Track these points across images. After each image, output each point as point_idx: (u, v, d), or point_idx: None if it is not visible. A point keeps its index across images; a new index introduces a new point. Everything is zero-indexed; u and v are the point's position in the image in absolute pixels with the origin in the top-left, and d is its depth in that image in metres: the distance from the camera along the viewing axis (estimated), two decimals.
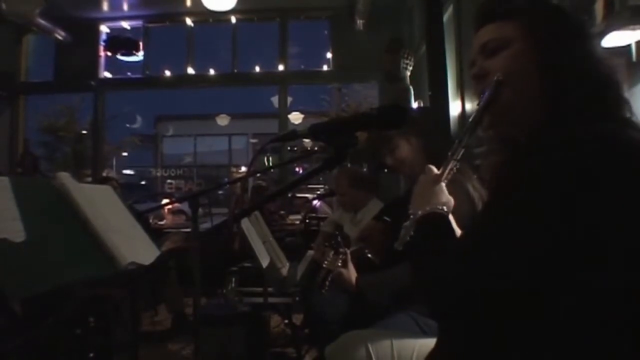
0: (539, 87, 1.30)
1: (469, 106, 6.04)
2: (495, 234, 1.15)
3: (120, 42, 11.46)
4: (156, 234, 6.32)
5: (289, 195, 10.55)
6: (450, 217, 1.46)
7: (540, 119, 1.29)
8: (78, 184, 1.86)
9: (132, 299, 3.70)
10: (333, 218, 5.20)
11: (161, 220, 10.00)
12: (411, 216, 1.44)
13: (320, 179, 14.50)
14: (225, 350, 3.63)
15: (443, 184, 1.46)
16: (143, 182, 30.42)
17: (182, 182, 31.08)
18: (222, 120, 26.89)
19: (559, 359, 1.11)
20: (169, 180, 31.42)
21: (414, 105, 7.95)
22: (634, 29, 3.19)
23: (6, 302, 2.36)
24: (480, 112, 1.38)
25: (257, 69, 11.95)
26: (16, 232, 1.44)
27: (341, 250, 2.78)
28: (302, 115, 14.56)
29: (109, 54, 11.50)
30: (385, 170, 4.36)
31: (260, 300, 3.75)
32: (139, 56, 11.56)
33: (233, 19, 11.59)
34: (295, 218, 8.94)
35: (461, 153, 1.45)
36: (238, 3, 8.65)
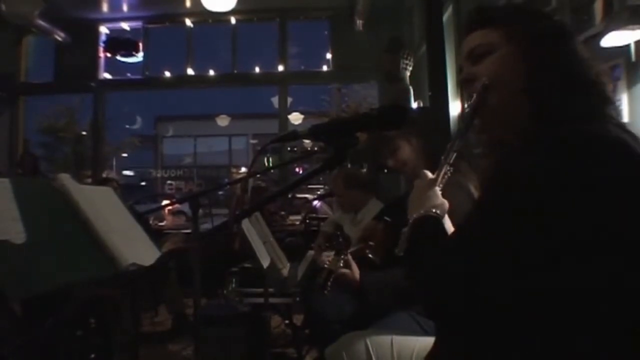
0: (525, 89, 1.33)
1: None
2: (480, 234, 1.16)
3: (120, 43, 11.45)
4: (156, 235, 6.33)
5: (289, 195, 10.54)
6: (447, 219, 1.48)
7: (527, 121, 1.31)
8: (78, 185, 1.86)
9: (133, 300, 3.71)
10: (333, 218, 5.21)
11: (161, 221, 9.99)
12: (409, 221, 1.45)
13: (321, 179, 14.51)
14: (226, 351, 3.63)
15: (437, 188, 1.48)
16: (143, 183, 30.42)
17: (182, 182, 31.05)
18: (222, 121, 26.89)
19: (553, 356, 1.11)
20: (169, 181, 31.39)
21: (414, 105, 7.95)
22: (632, 29, 3.20)
23: (6, 303, 2.37)
24: (469, 116, 1.42)
25: (257, 69, 11.94)
26: (16, 233, 1.44)
27: (343, 251, 2.78)
28: (302, 116, 14.56)
29: (109, 54, 11.49)
30: (386, 170, 4.36)
31: (260, 300, 3.75)
32: (139, 57, 11.56)
33: (233, 20, 11.59)
34: (296, 218, 8.94)
35: (454, 157, 1.48)
36: (238, 3, 8.65)
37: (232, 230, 4.72)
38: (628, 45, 3.47)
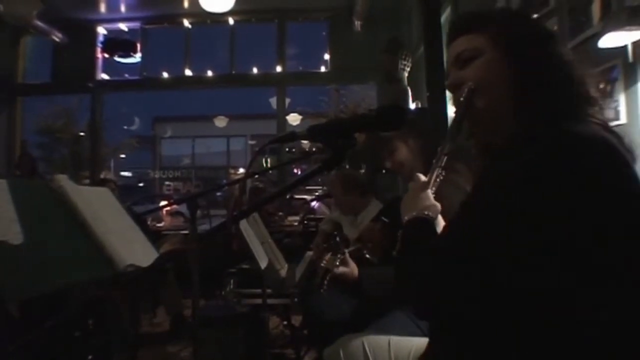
0: (511, 92, 1.35)
1: None
2: (468, 235, 1.18)
3: (118, 44, 11.44)
4: (155, 236, 6.32)
5: (288, 196, 10.54)
6: (441, 220, 1.50)
7: (513, 123, 1.33)
8: (76, 186, 1.86)
9: (131, 301, 3.71)
10: (332, 216, 5.20)
11: (159, 222, 9.97)
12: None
13: (319, 180, 14.50)
14: (224, 352, 3.63)
15: (429, 191, 1.49)
16: (141, 184, 30.35)
17: (181, 183, 30.97)
18: (220, 122, 26.86)
19: (544, 354, 1.12)
20: (167, 182, 31.32)
21: (412, 106, 7.95)
22: (630, 30, 3.20)
23: (4, 304, 2.36)
24: (458, 120, 1.45)
25: (255, 70, 11.92)
26: (14, 234, 1.44)
27: (340, 250, 2.78)
28: (300, 117, 14.55)
29: (107, 55, 11.48)
30: (384, 171, 4.36)
31: (259, 301, 3.75)
32: (137, 58, 11.54)
33: (231, 21, 11.58)
34: (294, 219, 8.93)
35: (444, 160, 1.51)
36: (236, 4, 8.64)
37: (230, 231, 4.72)
38: (625, 46, 3.47)
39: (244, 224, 3.16)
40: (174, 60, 12.11)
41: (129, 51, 11.38)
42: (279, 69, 11.62)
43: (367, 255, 2.76)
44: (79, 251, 1.71)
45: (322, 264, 2.81)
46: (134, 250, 1.93)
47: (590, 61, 3.61)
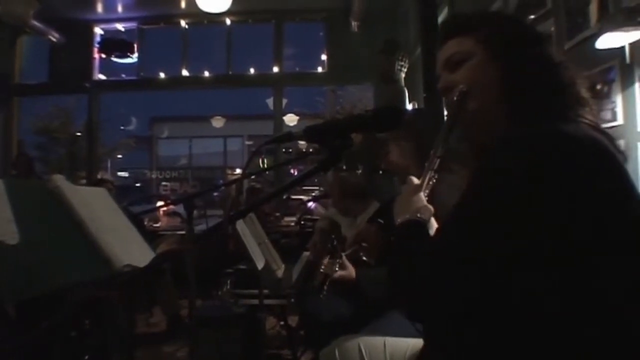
0: (502, 94, 1.36)
1: None
2: (460, 234, 1.18)
3: (115, 44, 11.43)
4: (151, 236, 6.32)
5: (284, 197, 10.54)
6: (434, 222, 1.50)
7: (505, 124, 1.34)
8: (73, 186, 1.86)
9: (128, 301, 3.70)
10: (328, 214, 5.20)
11: (156, 222, 9.96)
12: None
13: (315, 180, 14.50)
14: (221, 352, 3.63)
15: (422, 194, 1.50)
16: (138, 184, 30.33)
17: (177, 184, 30.95)
18: (217, 122, 26.88)
19: (537, 353, 1.12)
20: (164, 182, 31.30)
21: (409, 106, 7.96)
22: (627, 31, 3.21)
23: (1, 304, 2.36)
24: (450, 123, 1.47)
25: (252, 70, 11.92)
26: (10, 234, 1.44)
27: (337, 253, 2.78)
28: (297, 117, 14.56)
29: (104, 55, 11.47)
30: (381, 172, 4.35)
31: (255, 301, 3.75)
32: (134, 58, 11.54)
33: (228, 21, 11.58)
34: (291, 220, 8.94)
35: (437, 163, 1.51)
36: (233, 5, 8.63)
37: (226, 232, 4.72)
38: (623, 47, 3.48)
39: (240, 225, 3.17)
40: (171, 61, 12.12)
41: (126, 51, 11.38)
42: (276, 69, 11.62)
43: (364, 257, 2.76)
44: (76, 251, 1.71)
45: (321, 269, 2.81)
46: (130, 250, 1.93)
47: (588, 62, 3.63)
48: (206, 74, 11.88)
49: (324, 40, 11.65)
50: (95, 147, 11.89)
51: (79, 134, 11.95)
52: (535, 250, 1.09)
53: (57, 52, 11.20)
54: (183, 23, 11.66)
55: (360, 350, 2.20)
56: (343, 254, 2.77)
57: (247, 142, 31.76)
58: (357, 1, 9.68)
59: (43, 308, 2.48)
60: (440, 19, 6.66)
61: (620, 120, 3.57)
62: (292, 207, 10.96)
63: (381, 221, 2.68)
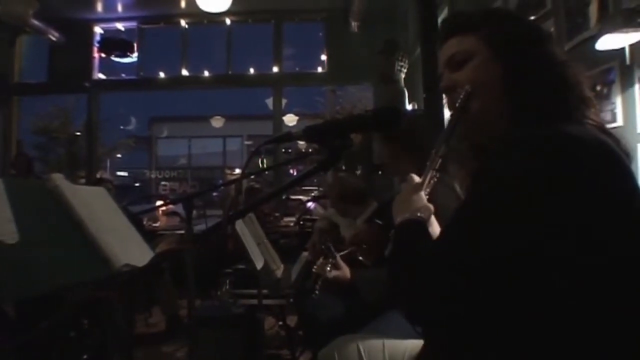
0: (505, 94, 1.34)
1: None
2: (462, 236, 1.17)
3: (115, 43, 11.45)
4: (150, 236, 6.32)
5: (284, 197, 10.54)
6: (435, 222, 1.51)
7: (508, 124, 1.32)
8: (72, 186, 1.86)
9: (127, 301, 3.70)
10: (327, 214, 5.20)
11: (155, 222, 9.95)
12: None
13: (315, 181, 14.49)
14: (220, 352, 3.63)
15: (423, 193, 1.48)
16: (137, 184, 30.32)
17: (177, 183, 30.96)
18: (217, 122, 26.88)
19: (540, 354, 1.12)
20: (163, 182, 31.30)
21: (408, 107, 7.96)
22: (627, 32, 3.21)
23: (0, 305, 2.36)
24: (453, 123, 1.44)
25: (252, 70, 11.95)
26: (10, 234, 1.44)
27: (331, 254, 2.80)
28: (296, 117, 14.56)
29: (103, 55, 11.48)
30: (380, 172, 4.36)
31: (254, 302, 3.75)
32: (133, 57, 11.56)
33: (228, 21, 11.59)
34: (290, 220, 8.93)
35: (439, 162, 1.49)
36: (233, 4, 8.64)
37: (226, 232, 4.71)
38: (623, 49, 3.48)
39: (240, 225, 3.16)
40: (170, 60, 12.13)
41: (125, 51, 11.39)
42: (275, 69, 11.64)
43: (360, 258, 2.77)
44: (75, 251, 1.70)
45: (314, 269, 2.82)
46: (129, 250, 1.93)
47: (587, 63, 3.63)
48: (206, 73, 11.90)
49: (324, 40, 11.66)
50: (94, 146, 11.90)
51: (78, 133, 11.95)
52: (539, 253, 1.08)
53: (56, 51, 11.21)
54: (183, 23, 11.68)
55: (359, 350, 2.20)
56: (337, 255, 2.78)
57: (247, 142, 31.75)
58: (356, 1, 9.68)
59: (42, 308, 2.47)
60: (440, 19, 6.66)
61: (619, 122, 3.57)
62: (292, 207, 10.96)
63: (379, 222, 2.69)
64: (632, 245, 1.10)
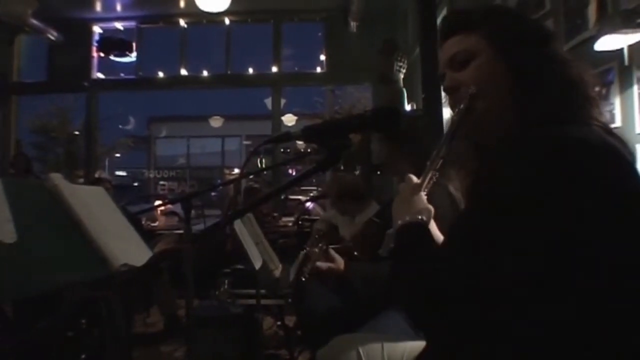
0: (509, 93, 1.33)
1: None
2: (470, 239, 1.15)
3: (113, 43, 11.43)
4: (149, 236, 6.32)
5: (282, 197, 10.54)
6: (433, 223, 1.50)
7: (512, 124, 1.30)
8: (70, 185, 1.86)
9: (125, 301, 3.69)
10: (326, 216, 5.21)
11: (154, 221, 9.95)
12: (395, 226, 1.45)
13: (313, 181, 14.50)
14: (218, 352, 3.63)
15: (422, 194, 1.48)
16: (136, 184, 30.35)
17: (175, 183, 30.99)
18: (216, 122, 26.90)
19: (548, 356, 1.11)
20: (161, 182, 31.34)
21: (407, 107, 7.97)
22: (626, 33, 3.21)
23: None
24: (456, 124, 1.41)
25: (251, 70, 11.93)
26: (8, 233, 1.44)
27: (319, 240, 2.81)
28: (295, 117, 14.57)
29: (102, 54, 11.47)
30: (378, 172, 4.36)
31: (253, 301, 3.75)
32: (132, 57, 11.54)
33: (227, 21, 11.58)
34: (288, 220, 8.94)
35: (440, 163, 1.47)
36: (232, 4, 8.63)
37: (224, 232, 4.72)
38: (621, 49, 3.48)
39: (238, 224, 3.16)
40: (169, 60, 12.11)
41: (124, 50, 11.38)
42: (274, 69, 11.62)
43: (356, 253, 2.78)
44: (73, 250, 1.70)
45: (304, 251, 2.83)
46: (128, 249, 1.93)
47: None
48: (205, 73, 11.88)
49: (323, 40, 11.65)
50: (93, 146, 11.89)
51: (77, 133, 11.97)
52: (545, 256, 1.06)
53: (55, 51, 11.19)
54: (182, 22, 11.66)
55: (357, 350, 2.19)
56: (330, 246, 2.79)
57: (245, 142, 31.78)
58: (356, 1, 9.68)
59: (40, 307, 2.47)
60: (439, 19, 6.66)
61: (618, 122, 3.57)
62: (290, 207, 10.97)
63: (377, 220, 2.70)
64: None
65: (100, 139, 12.50)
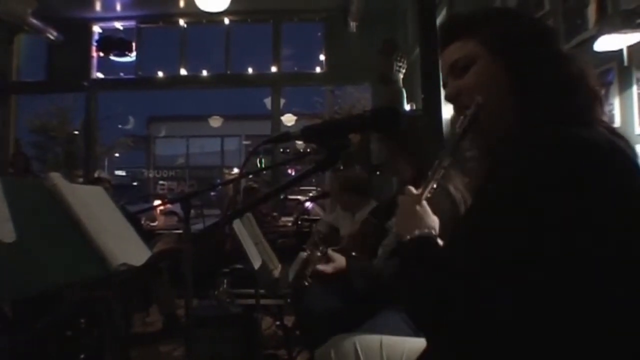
0: (509, 95, 1.32)
1: None
2: (472, 240, 1.15)
3: (113, 43, 11.43)
4: (148, 235, 6.32)
5: (282, 197, 10.54)
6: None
7: (516, 126, 1.29)
8: (70, 185, 1.86)
9: (124, 300, 3.70)
10: (327, 220, 5.21)
11: (153, 221, 9.95)
12: (395, 235, 1.44)
13: (313, 181, 14.50)
14: (217, 352, 3.63)
15: (425, 204, 1.46)
16: (135, 183, 30.34)
17: (175, 183, 31.03)
18: (215, 122, 26.89)
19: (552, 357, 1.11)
20: (161, 182, 31.37)
21: (407, 107, 7.97)
22: (625, 33, 3.21)
23: None
24: (462, 134, 1.39)
25: (250, 70, 11.93)
26: (7, 233, 1.44)
27: (320, 243, 2.82)
28: (295, 117, 14.56)
29: (102, 54, 11.47)
30: (378, 172, 4.36)
31: (252, 301, 3.74)
32: (132, 57, 11.55)
33: (226, 20, 11.58)
34: (288, 220, 8.94)
35: (442, 173, 1.46)
36: (231, 4, 8.62)
37: (223, 231, 4.72)
38: (621, 50, 3.48)
39: (237, 224, 3.16)
40: (169, 60, 12.11)
41: (124, 50, 11.38)
42: (274, 69, 11.62)
43: (354, 254, 2.78)
44: (72, 250, 1.70)
45: (304, 255, 2.83)
46: (127, 249, 1.93)
47: None
48: (204, 73, 11.88)
49: (323, 40, 11.65)
50: (92, 145, 11.89)
51: (76, 132, 11.95)
52: (551, 257, 1.06)
53: (55, 50, 11.20)
54: (182, 22, 11.66)
55: (356, 349, 2.19)
56: (329, 248, 2.80)
57: (245, 142, 31.80)
58: (355, 1, 9.68)
59: (40, 307, 2.47)
60: (438, 20, 6.66)
61: (617, 123, 3.57)
62: (290, 207, 10.97)
63: (374, 221, 2.71)
64: None
65: (99, 139, 12.49)
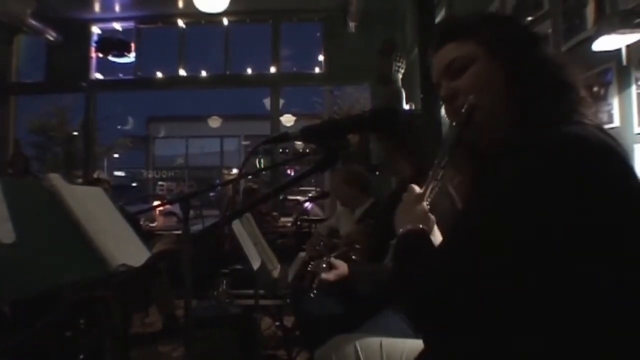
0: (506, 97, 1.32)
1: None
2: (470, 241, 1.15)
3: (112, 43, 11.43)
4: (147, 236, 6.31)
5: (281, 197, 10.55)
6: (437, 230, 1.51)
7: (510, 127, 1.30)
8: (69, 185, 1.86)
9: (123, 301, 3.69)
10: (329, 223, 5.21)
11: (152, 222, 9.96)
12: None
13: (312, 181, 14.52)
14: (216, 353, 3.63)
15: (425, 203, 1.47)
16: (134, 184, 30.36)
17: (174, 183, 31.02)
18: (214, 122, 26.89)
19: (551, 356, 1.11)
20: (160, 182, 31.36)
21: (406, 107, 7.97)
22: (624, 33, 3.21)
23: None
24: (457, 134, 1.40)
25: (249, 70, 11.93)
26: (6, 233, 1.44)
27: (325, 254, 2.82)
28: (294, 118, 14.57)
29: (101, 55, 11.46)
30: (377, 172, 4.36)
31: (251, 302, 3.74)
32: (131, 57, 11.53)
33: (225, 21, 11.58)
34: (287, 220, 8.94)
35: (441, 174, 1.46)
36: (230, 5, 8.62)
37: (223, 232, 4.72)
38: (619, 49, 3.48)
39: (236, 225, 3.16)
40: (168, 60, 12.12)
41: (123, 51, 11.37)
42: (273, 69, 11.62)
43: (354, 257, 2.79)
44: (72, 250, 1.70)
45: (309, 268, 2.83)
46: (126, 249, 1.93)
47: (584, 64, 3.63)
48: (203, 73, 11.88)
49: (322, 40, 11.65)
50: (91, 146, 11.88)
51: (75, 133, 11.96)
52: (547, 256, 1.07)
53: (54, 51, 11.19)
54: (180, 23, 11.65)
55: (356, 350, 2.19)
56: (332, 255, 2.80)
57: (244, 142, 31.80)
58: (354, 1, 9.68)
59: (39, 307, 2.47)
60: (437, 20, 6.67)
61: (616, 123, 3.57)
62: (289, 207, 10.98)
63: (370, 222, 2.71)
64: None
65: (98, 139, 12.50)
